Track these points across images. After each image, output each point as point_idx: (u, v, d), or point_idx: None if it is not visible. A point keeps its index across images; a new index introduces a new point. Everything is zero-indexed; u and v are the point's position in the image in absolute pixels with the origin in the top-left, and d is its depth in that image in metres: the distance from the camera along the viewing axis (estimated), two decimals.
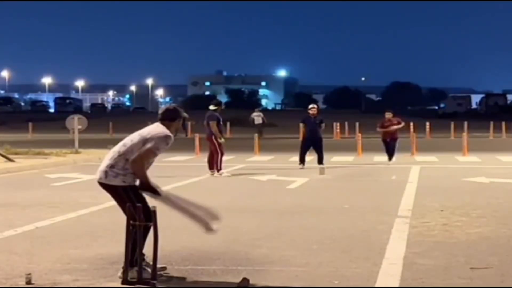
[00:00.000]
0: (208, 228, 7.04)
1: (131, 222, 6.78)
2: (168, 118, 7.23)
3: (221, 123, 18.62)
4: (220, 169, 18.29)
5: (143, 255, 6.85)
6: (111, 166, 6.94)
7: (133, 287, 6.72)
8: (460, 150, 26.76)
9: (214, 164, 18.30)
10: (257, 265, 7.63)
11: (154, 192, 6.90)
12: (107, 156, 7.10)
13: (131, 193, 6.89)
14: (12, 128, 54.72)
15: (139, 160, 6.88)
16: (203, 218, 7.06)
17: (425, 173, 18.93)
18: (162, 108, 7.44)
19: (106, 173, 6.95)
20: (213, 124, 18.24)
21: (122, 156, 6.95)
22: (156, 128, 7.11)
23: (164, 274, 7.12)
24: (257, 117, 46.49)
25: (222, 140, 18.37)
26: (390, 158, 22.26)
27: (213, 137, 18.30)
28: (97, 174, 7.06)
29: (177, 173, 18.58)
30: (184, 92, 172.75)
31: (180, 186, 16.09)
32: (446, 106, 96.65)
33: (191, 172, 19.37)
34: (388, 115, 22.70)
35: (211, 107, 18.67)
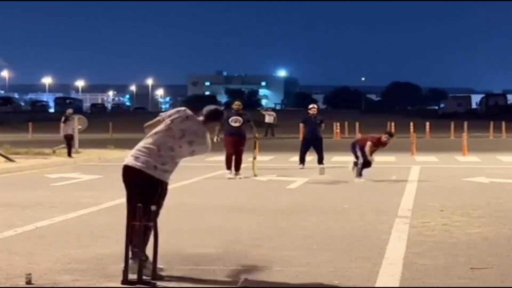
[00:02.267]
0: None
1: (131, 222, 6.80)
2: (211, 118, 7.45)
3: (227, 121, 17.87)
4: (229, 169, 18.22)
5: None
6: (163, 164, 7.13)
7: (133, 287, 6.72)
8: (460, 150, 26.77)
9: (237, 165, 18.20)
10: (257, 265, 7.63)
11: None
12: (153, 151, 7.14)
13: (166, 189, 7.23)
14: (12, 128, 54.72)
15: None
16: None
17: (425, 173, 18.93)
18: (210, 107, 7.54)
19: (155, 167, 7.08)
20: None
21: (173, 158, 7.24)
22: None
23: (164, 274, 7.11)
24: (269, 116, 45.33)
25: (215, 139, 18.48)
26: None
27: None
28: (142, 164, 7.08)
29: (177, 173, 18.55)
30: (184, 92, 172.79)
31: (180, 186, 16.08)
32: (446, 106, 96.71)
33: (191, 172, 19.35)
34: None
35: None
